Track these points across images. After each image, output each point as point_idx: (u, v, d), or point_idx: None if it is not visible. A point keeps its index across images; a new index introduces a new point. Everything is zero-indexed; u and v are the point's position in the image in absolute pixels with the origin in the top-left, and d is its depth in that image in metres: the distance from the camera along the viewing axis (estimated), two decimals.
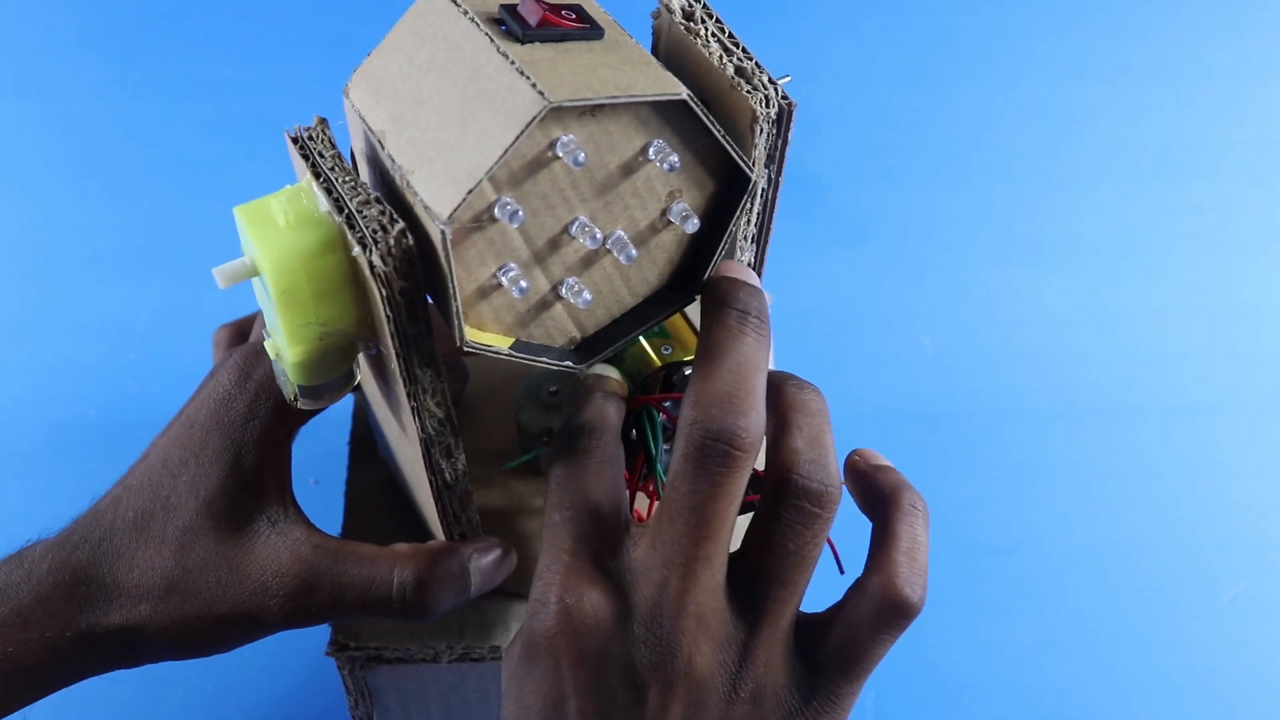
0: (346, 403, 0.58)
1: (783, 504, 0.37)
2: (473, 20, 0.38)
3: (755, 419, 0.37)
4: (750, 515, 0.39)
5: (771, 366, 0.43)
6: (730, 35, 0.41)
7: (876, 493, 0.40)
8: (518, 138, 0.34)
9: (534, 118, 0.34)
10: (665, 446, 0.45)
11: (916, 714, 0.69)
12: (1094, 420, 0.80)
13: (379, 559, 0.46)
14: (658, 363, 0.49)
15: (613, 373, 0.43)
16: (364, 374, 0.44)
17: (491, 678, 0.54)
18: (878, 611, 0.38)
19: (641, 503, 0.48)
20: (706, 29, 0.41)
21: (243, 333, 0.59)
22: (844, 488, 0.42)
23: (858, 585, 0.39)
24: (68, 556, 0.46)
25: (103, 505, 0.47)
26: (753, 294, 0.39)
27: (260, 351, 0.47)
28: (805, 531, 0.37)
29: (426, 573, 0.46)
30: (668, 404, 0.45)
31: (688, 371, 0.47)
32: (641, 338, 0.49)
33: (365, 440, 0.59)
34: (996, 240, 0.90)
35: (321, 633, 0.52)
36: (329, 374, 0.42)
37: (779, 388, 0.39)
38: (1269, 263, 0.89)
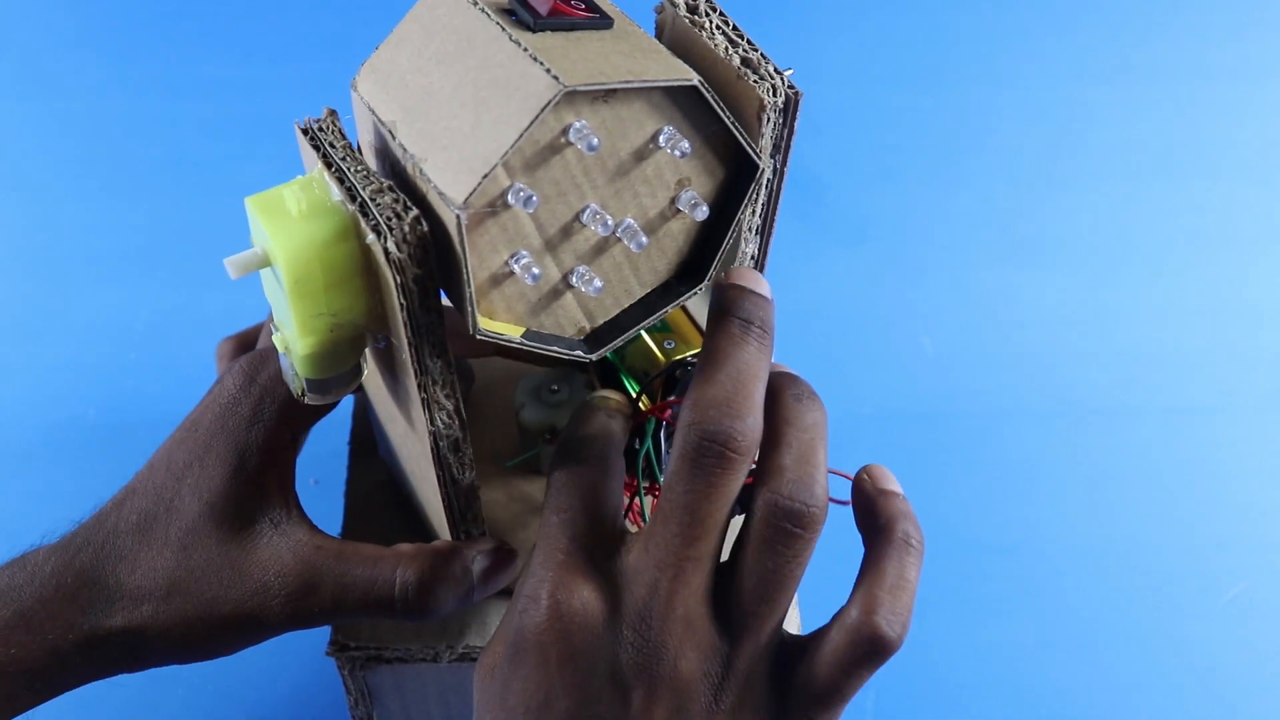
0: (346, 403, 0.58)
1: (764, 522, 0.37)
2: (483, 10, 0.38)
3: (751, 423, 0.37)
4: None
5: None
6: (735, 28, 0.41)
7: (873, 519, 0.40)
8: (532, 122, 0.35)
9: (549, 102, 0.34)
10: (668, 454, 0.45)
11: (916, 714, 0.69)
12: (1094, 420, 0.80)
13: (381, 559, 0.46)
14: (661, 358, 0.49)
15: (617, 395, 0.43)
16: (368, 371, 0.44)
17: None
18: (853, 646, 0.37)
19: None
20: (711, 22, 0.41)
21: (247, 344, 0.58)
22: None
23: (839, 615, 0.39)
24: (71, 559, 0.46)
25: (106, 509, 0.47)
26: (758, 303, 0.39)
27: (265, 356, 0.47)
28: (785, 551, 0.37)
29: (429, 573, 0.45)
30: (673, 409, 0.45)
31: (692, 368, 0.47)
32: (644, 332, 0.49)
33: (365, 440, 0.59)
34: (996, 240, 0.90)
35: (322, 633, 0.52)
36: (337, 368, 0.42)
37: (777, 397, 0.39)
38: (1269, 263, 0.89)
